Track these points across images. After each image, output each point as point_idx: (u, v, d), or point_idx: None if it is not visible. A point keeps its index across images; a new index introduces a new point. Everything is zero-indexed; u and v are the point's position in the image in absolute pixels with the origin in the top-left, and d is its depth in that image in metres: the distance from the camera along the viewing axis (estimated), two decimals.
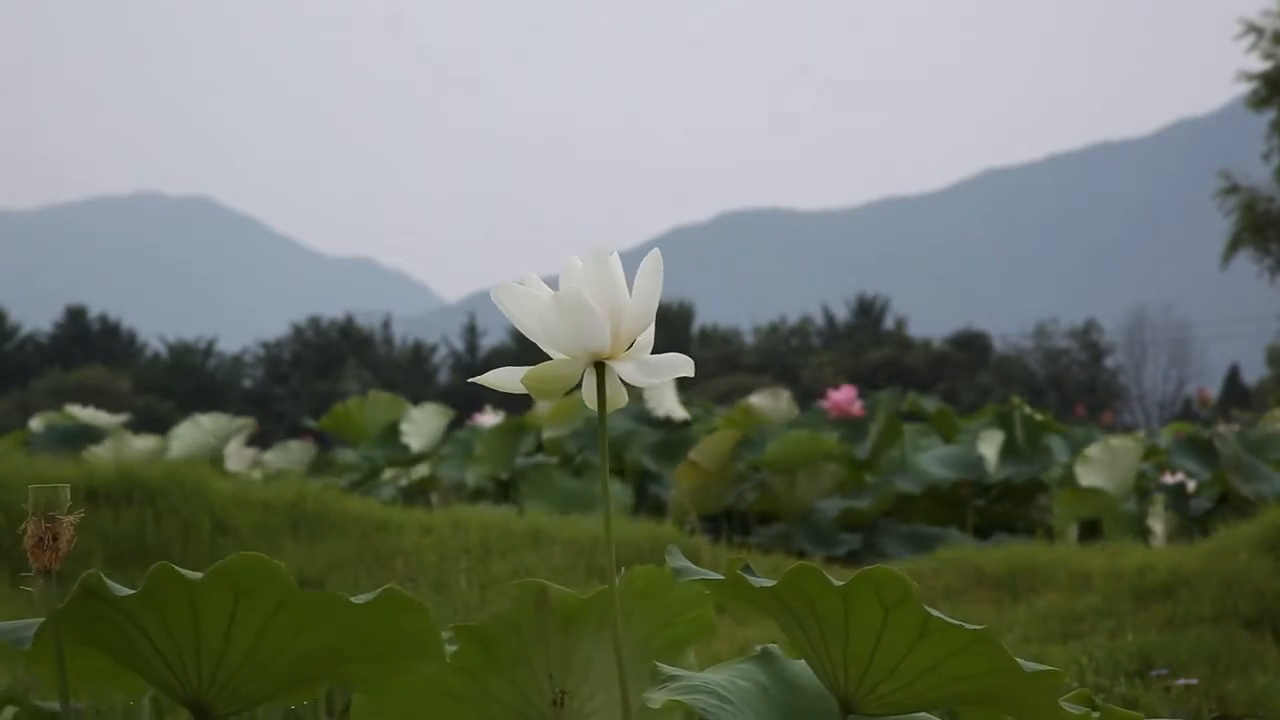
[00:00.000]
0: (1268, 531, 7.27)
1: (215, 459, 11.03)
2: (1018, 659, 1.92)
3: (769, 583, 1.98)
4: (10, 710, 2.89)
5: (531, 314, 1.94)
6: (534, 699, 2.22)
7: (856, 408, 11.55)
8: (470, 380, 1.98)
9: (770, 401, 11.85)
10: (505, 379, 1.97)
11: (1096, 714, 1.98)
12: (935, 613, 1.90)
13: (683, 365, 1.94)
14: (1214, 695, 5.25)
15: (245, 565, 1.91)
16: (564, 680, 2.22)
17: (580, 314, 1.90)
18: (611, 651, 2.27)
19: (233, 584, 1.92)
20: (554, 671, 2.21)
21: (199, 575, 1.92)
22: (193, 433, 11.38)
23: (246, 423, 11.65)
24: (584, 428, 11.76)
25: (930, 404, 12.22)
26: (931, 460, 11.17)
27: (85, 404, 12.93)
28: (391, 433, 12.48)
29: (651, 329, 2.00)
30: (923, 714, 2.09)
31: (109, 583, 1.92)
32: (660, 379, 1.94)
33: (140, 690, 2.21)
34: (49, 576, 1.91)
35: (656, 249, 1.97)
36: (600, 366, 1.98)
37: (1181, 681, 5.09)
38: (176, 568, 1.91)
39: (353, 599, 1.95)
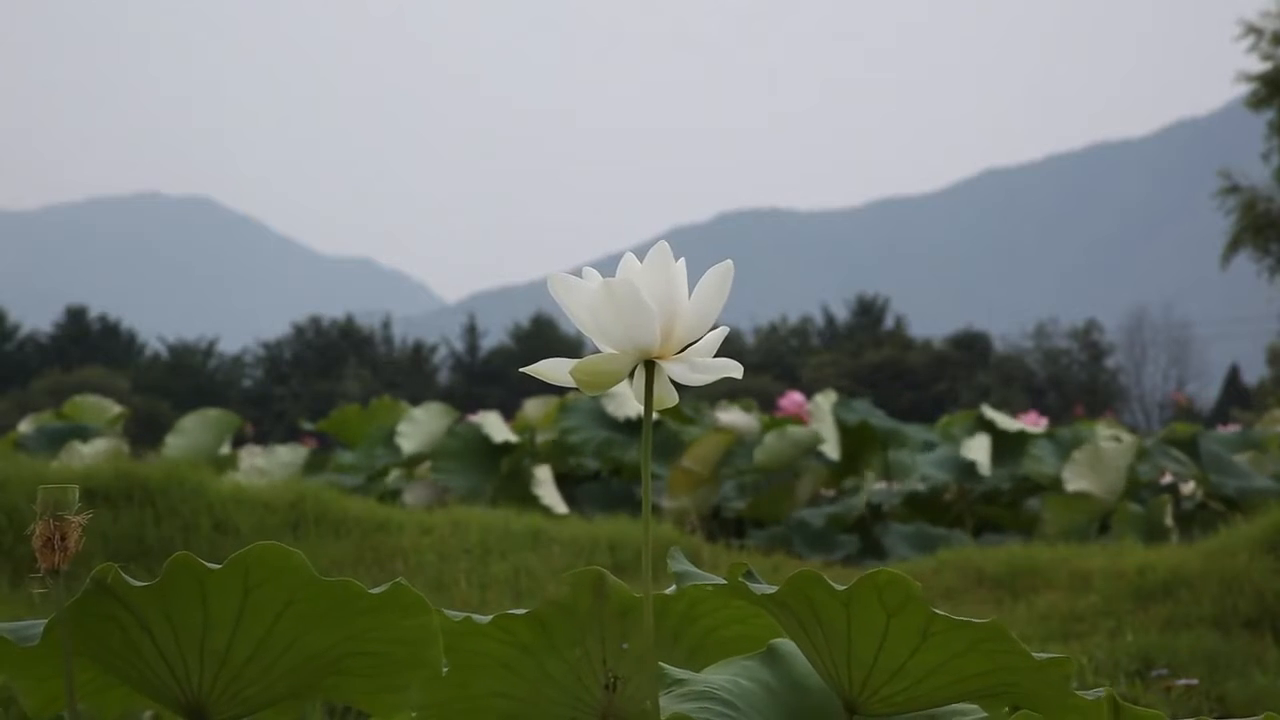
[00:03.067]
0: (1268, 532, 7.28)
1: (212, 458, 11.04)
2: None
3: (771, 589, 1.98)
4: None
5: (583, 304, 1.90)
6: (587, 682, 2.24)
7: (806, 412, 11.66)
8: (521, 370, 1.96)
9: (747, 415, 11.91)
10: (554, 370, 1.94)
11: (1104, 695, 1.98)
12: (940, 612, 1.90)
13: (732, 368, 1.91)
14: (1214, 695, 5.25)
15: (262, 555, 1.92)
16: (618, 668, 2.23)
17: (631, 306, 1.86)
18: (666, 644, 2.31)
19: (246, 575, 1.93)
20: (608, 658, 2.23)
21: (215, 565, 1.94)
22: (181, 440, 11.40)
23: (233, 420, 11.66)
24: (559, 438, 11.74)
25: (859, 412, 12.00)
26: (927, 464, 11.18)
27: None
28: (390, 434, 12.47)
29: (716, 337, 1.96)
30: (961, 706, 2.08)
31: (125, 576, 1.93)
32: (709, 379, 1.91)
33: (132, 704, 2.21)
34: (57, 576, 1.91)
35: (729, 260, 1.95)
36: (650, 365, 1.95)
37: (1181, 682, 5.10)
38: (195, 557, 1.92)
39: (366, 589, 1.96)
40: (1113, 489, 9.95)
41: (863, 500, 10.52)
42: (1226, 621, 6.39)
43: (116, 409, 12.07)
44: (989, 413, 11.78)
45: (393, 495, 11.37)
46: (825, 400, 11.37)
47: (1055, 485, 10.39)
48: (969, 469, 11.06)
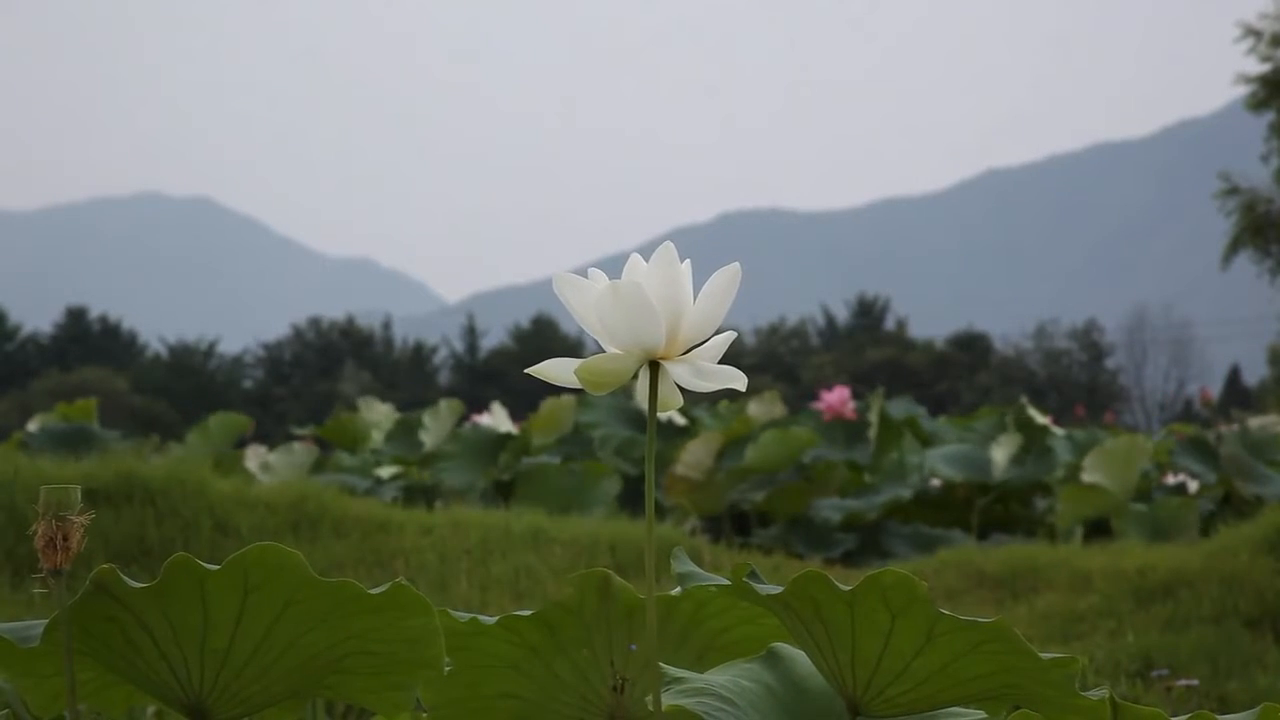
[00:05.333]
0: (1268, 532, 7.28)
1: (223, 459, 11.06)
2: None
3: (776, 589, 1.98)
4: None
5: (588, 304, 1.92)
6: (595, 683, 2.25)
7: (849, 409, 11.55)
8: (525, 370, 1.97)
9: (768, 407, 11.90)
10: (559, 370, 1.95)
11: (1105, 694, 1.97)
12: (945, 612, 1.90)
13: (736, 378, 1.92)
14: (1215, 695, 5.26)
15: (261, 556, 1.93)
16: (625, 669, 2.23)
17: (636, 307, 1.87)
18: (673, 646, 2.30)
19: (246, 576, 1.93)
20: (615, 659, 2.23)
21: (214, 567, 1.93)
22: (201, 443, 11.40)
23: (238, 421, 11.66)
24: (572, 435, 11.74)
25: (900, 409, 12.02)
26: (937, 461, 11.13)
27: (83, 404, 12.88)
28: (401, 431, 12.47)
29: (722, 342, 1.97)
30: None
31: (123, 577, 1.93)
32: (713, 385, 1.92)
33: (135, 702, 2.21)
34: (59, 576, 1.91)
35: (736, 264, 1.95)
36: (655, 366, 1.95)
37: (1182, 682, 5.10)
38: (193, 558, 1.92)
39: (366, 589, 1.96)
40: (1126, 486, 9.95)
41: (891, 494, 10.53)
42: (1227, 622, 6.38)
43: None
44: (1029, 409, 11.66)
45: (407, 495, 11.34)
46: (877, 398, 11.46)
47: (1069, 481, 10.36)
48: (984, 467, 11.02)
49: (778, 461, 10.61)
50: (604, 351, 1.95)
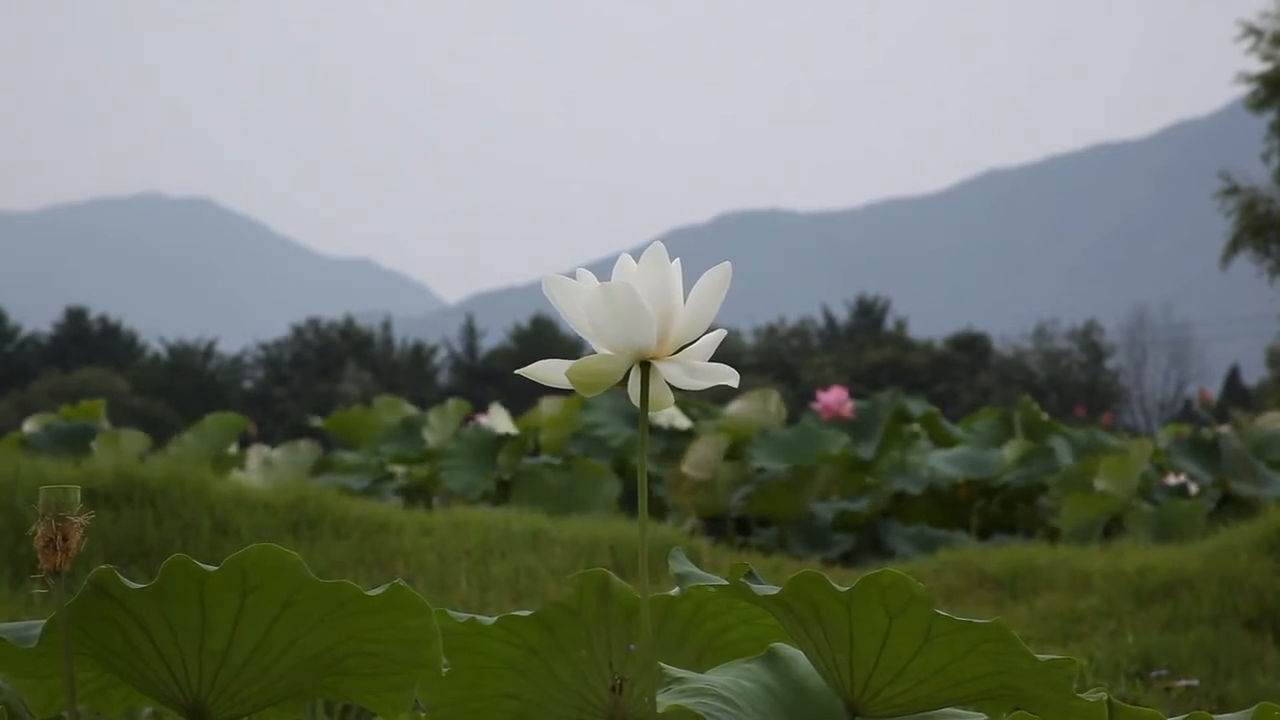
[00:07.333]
0: (1268, 532, 7.27)
1: (220, 458, 11.04)
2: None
3: (773, 589, 1.98)
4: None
5: (579, 306, 1.92)
6: (594, 683, 2.25)
7: (847, 409, 11.53)
8: (516, 371, 1.97)
9: (759, 406, 11.83)
10: (550, 371, 1.95)
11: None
12: (943, 613, 1.90)
13: (728, 375, 1.92)
14: (1214, 696, 5.26)
15: (259, 557, 1.93)
16: (624, 670, 2.24)
17: (627, 308, 1.87)
18: (672, 646, 2.31)
19: (244, 577, 1.94)
20: (614, 660, 2.23)
21: (212, 568, 1.94)
22: (197, 441, 11.36)
23: (236, 421, 11.64)
24: (582, 432, 11.74)
25: (918, 407, 12.05)
26: (939, 461, 11.13)
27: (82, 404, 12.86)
28: (404, 429, 12.45)
29: (713, 339, 1.97)
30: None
31: (122, 578, 1.93)
32: (705, 384, 1.92)
33: (133, 703, 2.21)
34: (58, 577, 1.91)
35: (727, 262, 1.95)
36: (646, 366, 1.95)
37: (1182, 682, 5.09)
38: (192, 559, 1.92)
39: (364, 590, 1.97)
40: (1128, 489, 9.96)
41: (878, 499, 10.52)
42: (1227, 622, 6.38)
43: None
44: (1033, 406, 11.68)
45: (409, 495, 11.32)
46: (889, 398, 11.47)
47: (1071, 483, 10.36)
48: (986, 467, 11.01)
49: (808, 461, 10.66)
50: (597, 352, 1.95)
